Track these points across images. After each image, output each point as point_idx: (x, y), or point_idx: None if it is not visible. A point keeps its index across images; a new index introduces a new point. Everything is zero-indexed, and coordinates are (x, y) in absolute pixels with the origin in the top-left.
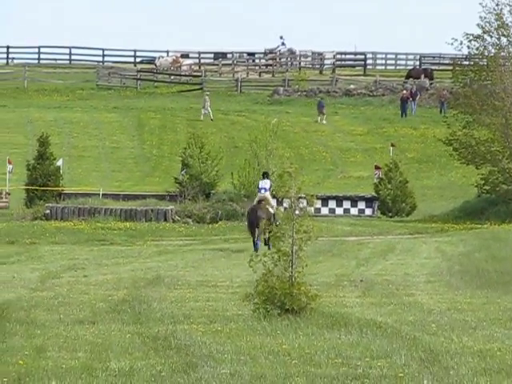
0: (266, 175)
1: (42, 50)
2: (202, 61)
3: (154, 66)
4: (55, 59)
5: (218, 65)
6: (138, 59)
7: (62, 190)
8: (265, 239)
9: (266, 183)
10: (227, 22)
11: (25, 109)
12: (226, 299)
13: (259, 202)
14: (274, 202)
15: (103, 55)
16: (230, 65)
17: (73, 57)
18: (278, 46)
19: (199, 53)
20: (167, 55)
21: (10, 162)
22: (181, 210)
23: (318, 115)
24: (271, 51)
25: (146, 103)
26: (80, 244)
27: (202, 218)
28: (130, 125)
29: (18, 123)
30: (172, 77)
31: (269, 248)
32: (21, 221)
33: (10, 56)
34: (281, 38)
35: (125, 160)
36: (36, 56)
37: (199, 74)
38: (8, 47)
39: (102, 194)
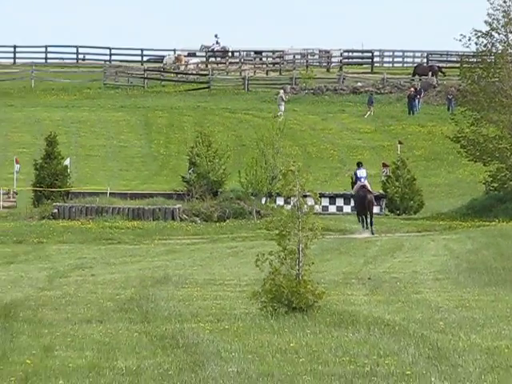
0: (360, 165)
1: (49, 49)
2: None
3: (162, 65)
4: (62, 58)
5: (225, 63)
6: (145, 58)
7: (70, 190)
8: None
9: (363, 172)
10: (235, 21)
11: (32, 108)
12: (234, 298)
13: (363, 187)
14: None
15: (110, 54)
16: (237, 63)
17: (80, 56)
18: (213, 44)
19: (206, 51)
20: (174, 54)
21: (17, 162)
22: (188, 208)
23: (368, 109)
24: (206, 47)
25: (153, 102)
26: (87, 243)
27: (209, 217)
28: (137, 124)
29: (26, 123)
30: (179, 75)
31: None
32: (28, 220)
33: (17, 55)
34: (215, 36)
35: (132, 159)
36: (43, 55)
37: (206, 72)
38: (15, 47)
39: (110, 193)
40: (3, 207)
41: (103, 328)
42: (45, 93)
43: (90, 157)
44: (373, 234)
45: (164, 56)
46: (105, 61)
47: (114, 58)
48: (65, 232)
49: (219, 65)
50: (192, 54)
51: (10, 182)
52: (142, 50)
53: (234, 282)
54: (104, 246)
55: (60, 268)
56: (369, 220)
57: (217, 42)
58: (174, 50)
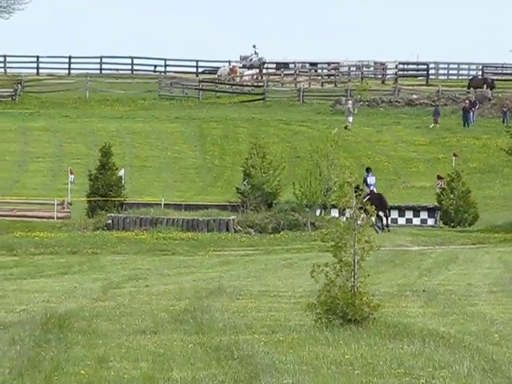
0: (369, 170)
1: (103, 60)
2: (264, 71)
3: (216, 77)
4: (117, 69)
5: (280, 75)
6: (200, 69)
7: (124, 200)
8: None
9: (372, 179)
10: (291, 33)
11: (87, 119)
12: (288, 309)
13: (372, 192)
14: None
15: (165, 65)
16: (293, 75)
17: (134, 67)
18: (252, 55)
19: (261, 63)
20: (229, 65)
21: (71, 172)
22: (243, 220)
23: (433, 121)
24: (245, 58)
25: (207, 113)
26: (142, 254)
27: (263, 228)
28: (191, 135)
29: (80, 133)
30: (233, 87)
31: (383, 230)
32: (83, 231)
33: (72, 66)
34: (254, 46)
35: (187, 170)
36: (98, 66)
37: (261, 84)
38: (70, 58)
39: (164, 204)
40: (57, 218)
41: (158, 339)
42: (99, 103)
43: (144, 168)
44: (388, 230)
45: (219, 67)
46: (160, 72)
47: (168, 69)
48: (119, 243)
49: (274, 76)
50: (248, 66)
51: (64, 192)
52: (196, 61)
53: (289, 293)
54: (158, 257)
55: (114, 279)
56: (384, 220)
57: (255, 53)
58: (229, 62)
